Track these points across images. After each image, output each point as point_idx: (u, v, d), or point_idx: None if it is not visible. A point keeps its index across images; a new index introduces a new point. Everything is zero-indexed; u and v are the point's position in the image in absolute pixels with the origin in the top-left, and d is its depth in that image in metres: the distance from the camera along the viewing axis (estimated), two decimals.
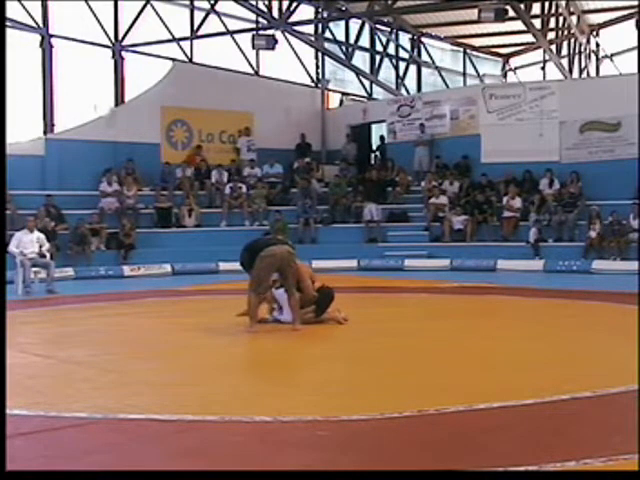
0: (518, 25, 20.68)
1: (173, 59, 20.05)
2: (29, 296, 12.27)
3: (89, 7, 18.69)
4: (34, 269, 13.10)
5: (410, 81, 24.64)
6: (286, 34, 20.98)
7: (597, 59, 24.89)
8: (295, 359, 6.82)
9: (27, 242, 12.91)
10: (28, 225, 13.20)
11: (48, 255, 13.26)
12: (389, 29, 23.94)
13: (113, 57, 19.40)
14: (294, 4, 19.99)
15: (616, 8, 21.85)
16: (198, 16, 20.34)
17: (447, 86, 24.68)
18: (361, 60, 23.34)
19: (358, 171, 20.53)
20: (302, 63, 22.32)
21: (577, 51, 23.53)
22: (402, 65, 24.37)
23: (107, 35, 19.22)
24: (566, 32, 22.58)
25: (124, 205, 17.69)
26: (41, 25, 18.07)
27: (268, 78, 21.40)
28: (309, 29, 22.08)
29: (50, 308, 10.60)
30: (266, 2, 20.04)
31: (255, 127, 20.47)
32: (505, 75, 27.08)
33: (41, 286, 12.81)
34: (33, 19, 17.91)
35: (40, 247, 13.03)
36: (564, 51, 23.15)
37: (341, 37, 22.72)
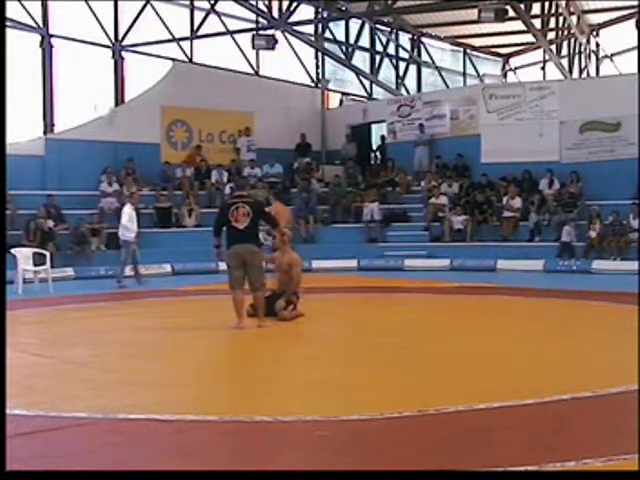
0: (518, 25, 20.66)
1: (173, 59, 20.03)
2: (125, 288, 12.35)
3: (89, 7, 18.67)
4: (34, 269, 13.04)
5: (410, 81, 24.62)
6: (286, 34, 20.96)
7: (597, 59, 24.87)
8: (295, 359, 6.81)
9: (134, 218, 12.43)
10: (132, 200, 12.60)
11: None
12: (389, 29, 23.94)
13: (113, 57, 19.37)
14: (294, 4, 19.97)
15: (616, 8, 21.85)
16: (198, 16, 20.32)
17: (447, 86, 24.66)
18: (361, 60, 23.32)
19: (361, 171, 20.54)
20: (302, 63, 22.30)
21: (577, 51, 23.52)
22: (402, 65, 24.36)
23: (107, 35, 19.20)
24: (566, 32, 22.58)
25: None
26: (41, 25, 18.05)
27: (268, 78, 21.39)
28: (309, 29, 22.06)
29: (50, 308, 10.58)
30: (266, 2, 20.03)
31: (255, 127, 20.46)
32: (505, 75, 27.07)
33: (41, 286, 12.75)
34: (33, 19, 17.89)
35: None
36: (564, 51, 23.13)
37: (341, 37, 22.70)
